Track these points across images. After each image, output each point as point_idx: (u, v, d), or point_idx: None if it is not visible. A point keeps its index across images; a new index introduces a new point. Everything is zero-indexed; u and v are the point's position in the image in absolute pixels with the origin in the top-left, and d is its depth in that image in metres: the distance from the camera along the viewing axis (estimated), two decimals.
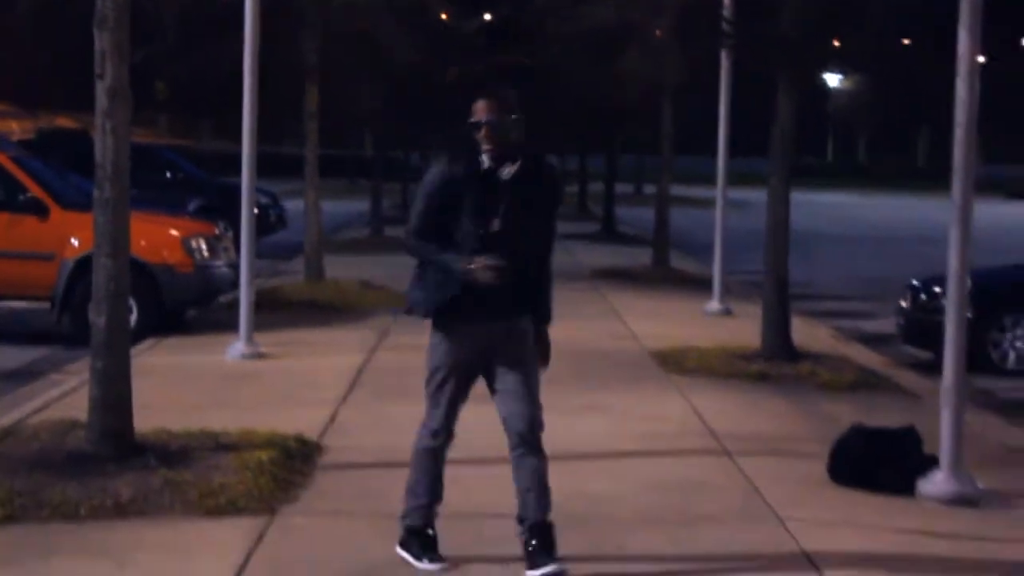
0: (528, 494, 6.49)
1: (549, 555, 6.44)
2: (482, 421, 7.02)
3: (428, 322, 6.63)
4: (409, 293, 6.67)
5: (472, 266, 6.33)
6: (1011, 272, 16.02)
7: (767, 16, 13.87)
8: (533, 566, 6.44)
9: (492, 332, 6.48)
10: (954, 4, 8.54)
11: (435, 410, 6.64)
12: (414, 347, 13.52)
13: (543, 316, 6.67)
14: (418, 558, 6.68)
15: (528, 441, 6.49)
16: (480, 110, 6.43)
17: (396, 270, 22.11)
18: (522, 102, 6.51)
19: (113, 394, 8.45)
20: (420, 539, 6.72)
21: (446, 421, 6.64)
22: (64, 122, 39.17)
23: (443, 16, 30.09)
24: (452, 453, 6.78)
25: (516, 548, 6.59)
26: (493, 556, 6.85)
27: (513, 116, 6.44)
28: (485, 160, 6.43)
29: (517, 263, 6.42)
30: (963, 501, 8.40)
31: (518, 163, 6.46)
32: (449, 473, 6.78)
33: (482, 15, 32.88)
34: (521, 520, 6.53)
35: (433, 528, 6.76)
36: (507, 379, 6.51)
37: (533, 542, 6.45)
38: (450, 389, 6.59)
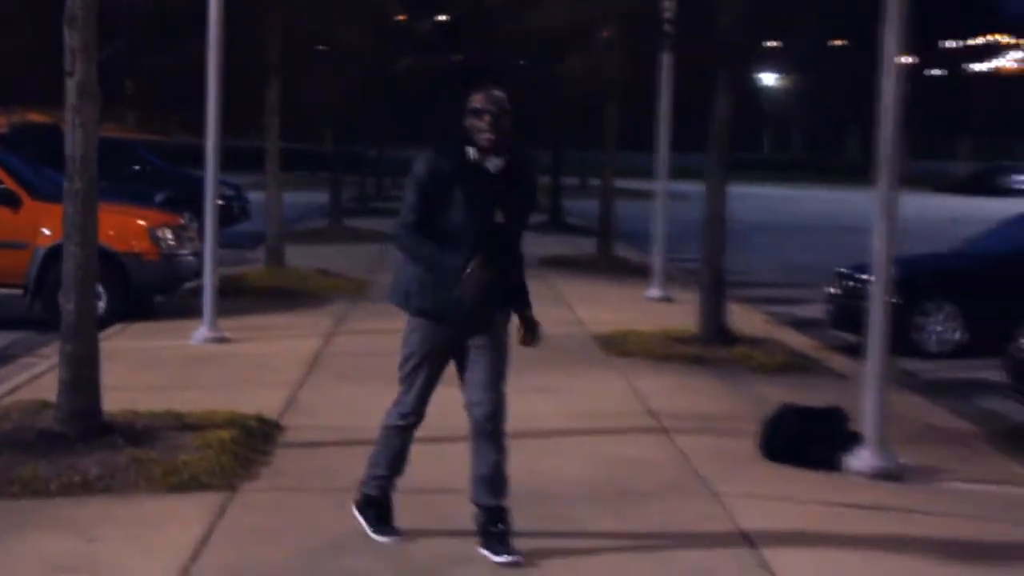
0: (482, 482, 6.43)
1: (507, 544, 6.40)
2: (445, 402, 7.00)
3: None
4: (395, 286, 6.51)
5: (469, 272, 6.11)
6: (933, 260, 16.16)
7: (706, 18, 13.94)
8: (492, 550, 6.40)
9: (469, 323, 6.35)
10: (880, 8, 8.62)
11: (407, 394, 6.54)
12: (371, 331, 13.57)
13: (527, 303, 6.55)
14: (373, 528, 6.66)
15: (488, 431, 6.41)
16: (479, 100, 6.26)
17: (354, 258, 22.17)
18: (512, 102, 6.34)
19: (82, 376, 8.42)
20: (376, 509, 6.69)
21: (417, 404, 6.54)
22: (36, 116, 38.79)
23: (400, 17, 30.09)
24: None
25: (470, 524, 6.59)
26: (448, 531, 6.85)
27: (507, 111, 6.28)
28: (471, 152, 6.27)
29: (506, 256, 6.34)
30: (886, 475, 8.51)
31: (504, 157, 6.31)
32: (412, 450, 6.73)
33: (435, 16, 32.88)
34: (477, 504, 6.48)
35: (390, 500, 6.72)
36: (476, 366, 6.42)
37: (496, 526, 6.40)
38: (423, 374, 6.48)
